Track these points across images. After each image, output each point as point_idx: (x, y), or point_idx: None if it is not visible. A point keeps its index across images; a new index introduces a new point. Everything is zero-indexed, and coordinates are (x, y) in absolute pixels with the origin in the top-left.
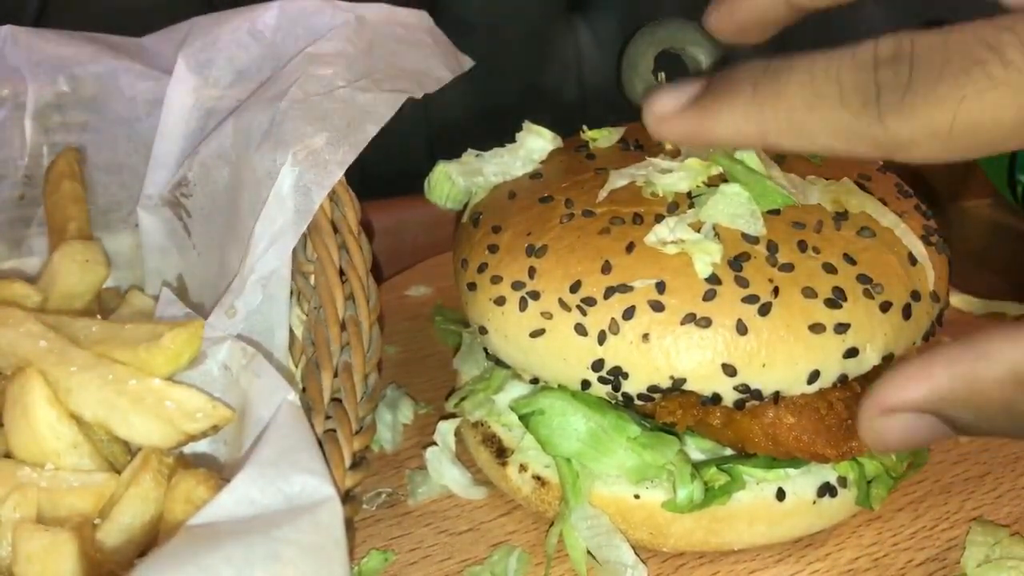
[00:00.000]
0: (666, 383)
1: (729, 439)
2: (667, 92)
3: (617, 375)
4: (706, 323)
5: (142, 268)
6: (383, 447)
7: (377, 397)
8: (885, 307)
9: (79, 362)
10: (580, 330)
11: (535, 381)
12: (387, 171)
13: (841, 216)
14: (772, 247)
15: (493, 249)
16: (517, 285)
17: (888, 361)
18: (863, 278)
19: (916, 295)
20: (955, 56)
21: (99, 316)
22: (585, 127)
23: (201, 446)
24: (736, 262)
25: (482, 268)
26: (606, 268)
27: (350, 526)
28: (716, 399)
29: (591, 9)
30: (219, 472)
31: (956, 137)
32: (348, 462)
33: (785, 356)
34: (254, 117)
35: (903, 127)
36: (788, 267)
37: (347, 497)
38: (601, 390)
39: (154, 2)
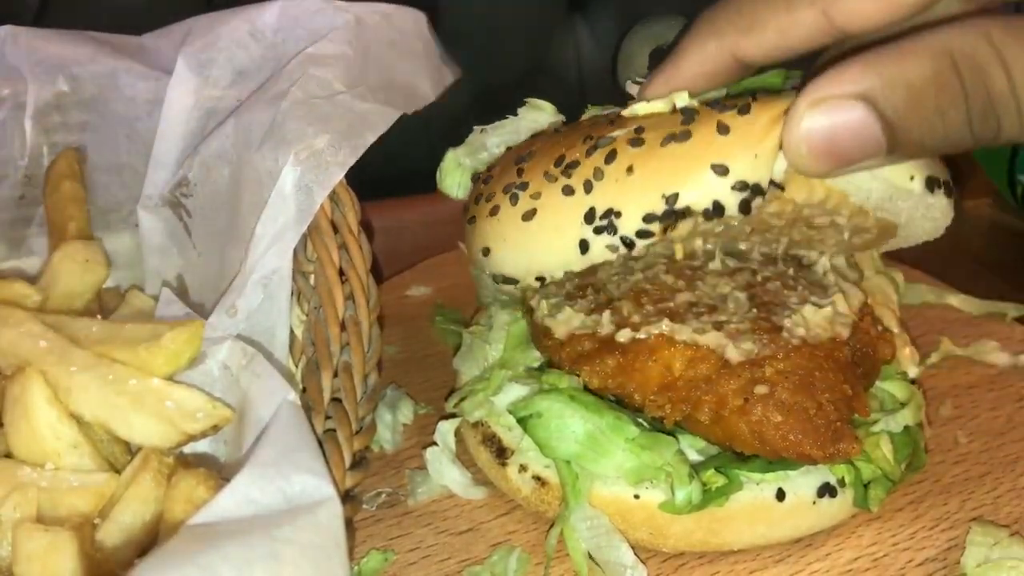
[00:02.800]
0: (660, 207)
1: (718, 436)
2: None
3: (610, 217)
4: (686, 136)
5: (142, 268)
6: (383, 447)
7: (377, 397)
8: None
9: (79, 362)
10: (567, 191)
11: (541, 280)
12: (387, 171)
13: None
14: (750, 95)
15: (487, 181)
16: (507, 188)
17: None
18: None
19: None
20: None
21: (99, 316)
22: (589, 105)
23: (201, 446)
24: (713, 101)
25: (478, 199)
26: (588, 139)
27: (350, 526)
28: (719, 210)
29: (591, 9)
30: (219, 472)
31: None
32: (348, 462)
33: (773, 144)
34: (255, 117)
35: None
36: (765, 92)
37: (347, 497)
38: (600, 246)
39: (154, 2)
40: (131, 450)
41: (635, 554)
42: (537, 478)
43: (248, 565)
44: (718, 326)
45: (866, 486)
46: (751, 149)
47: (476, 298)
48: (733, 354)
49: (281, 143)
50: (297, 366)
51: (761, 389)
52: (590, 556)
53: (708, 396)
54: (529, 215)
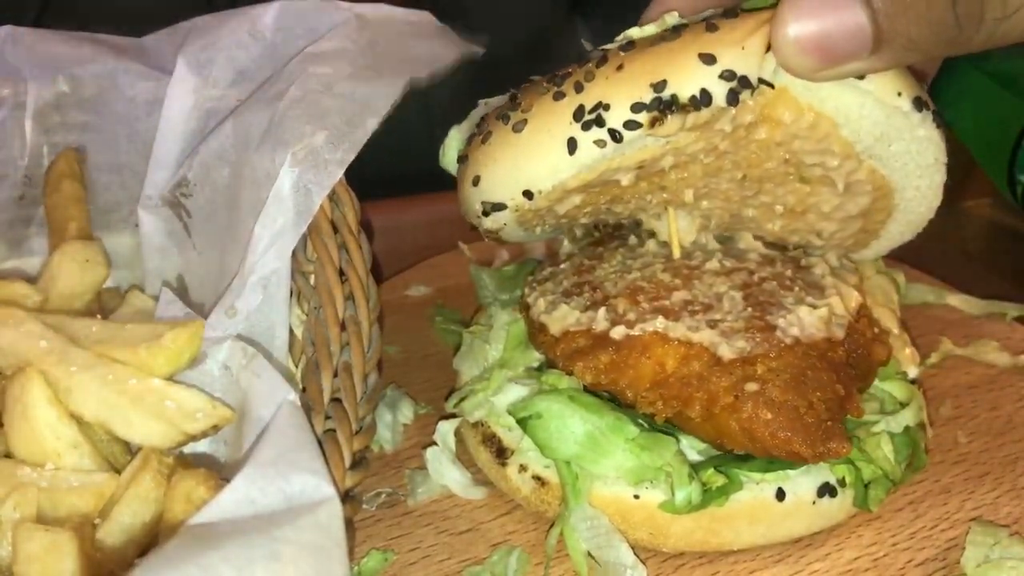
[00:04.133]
0: (648, 95)
1: (708, 434)
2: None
3: (599, 111)
4: (676, 35)
5: (142, 268)
6: (383, 447)
7: (377, 397)
8: None
9: (79, 362)
10: (558, 96)
11: (528, 196)
12: (387, 171)
13: None
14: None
15: (480, 126)
16: (499, 113)
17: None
18: None
19: None
20: None
21: (99, 316)
22: None
23: (201, 446)
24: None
25: (472, 140)
26: (582, 61)
27: (350, 526)
28: (706, 98)
29: (591, 9)
30: (219, 472)
31: None
32: (348, 462)
33: (760, 40)
34: (254, 117)
35: None
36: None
37: (347, 497)
38: (588, 142)
39: (154, 2)
40: (131, 450)
41: (635, 554)
42: (537, 478)
43: (248, 565)
44: (712, 324)
45: (866, 486)
46: (738, 42)
47: (476, 298)
48: (726, 352)
49: (279, 143)
50: (297, 366)
51: (752, 386)
52: (590, 556)
53: (699, 393)
54: (520, 125)
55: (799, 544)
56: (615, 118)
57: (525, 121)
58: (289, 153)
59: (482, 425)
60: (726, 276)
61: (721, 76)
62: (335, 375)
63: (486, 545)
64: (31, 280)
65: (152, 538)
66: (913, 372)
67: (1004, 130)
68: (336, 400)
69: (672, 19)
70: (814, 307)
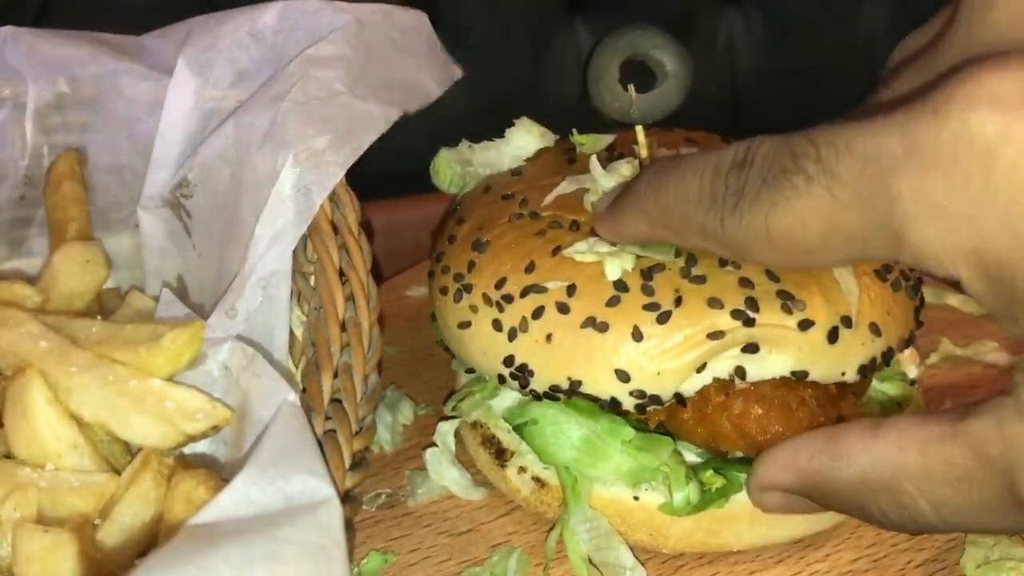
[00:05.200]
0: (565, 384)
1: (702, 437)
2: (603, 198)
3: (524, 372)
4: (604, 328)
5: (142, 269)
6: (383, 448)
7: (377, 398)
8: (805, 325)
9: (79, 363)
10: (496, 325)
11: (471, 371)
12: (387, 171)
13: None
14: (691, 260)
15: (452, 240)
16: (457, 277)
17: (803, 377)
18: (783, 294)
19: (847, 321)
20: (776, 164)
21: (99, 317)
22: (575, 131)
23: (201, 446)
24: (648, 272)
25: (439, 257)
26: (529, 268)
27: (350, 526)
28: (616, 403)
29: (591, 10)
30: (219, 472)
31: (776, 242)
32: (348, 463)
33: (678, 365)
34: (255, 118)
35: (737, 230)
36: (700, 279)
37: (347, 497)
38: (515, 386)
39: (154, 2)
40: (131, 451)
41: (635, 556)
42: (537, 479)
43: (248, 565)
44: None
45: None
46: (655, 367)
47: None
48: None
49: (280, 144)
50: (297, 367)
51: (743, 384)
52: (589, 560)
53: (691, 394)
54: (464, 325)
55: (799, 545)
56: (537, 386)
57: (469, 324)
58: (291, 154)
59: (481, 426)
60: None
61: (631, 394)
62: (335, 376)
63: (486, 546)
64: (31, 280)
65: (152, 538)
66: (912, 372)
67: None
68: (336, 401)
69: (613, 272)
70: None
